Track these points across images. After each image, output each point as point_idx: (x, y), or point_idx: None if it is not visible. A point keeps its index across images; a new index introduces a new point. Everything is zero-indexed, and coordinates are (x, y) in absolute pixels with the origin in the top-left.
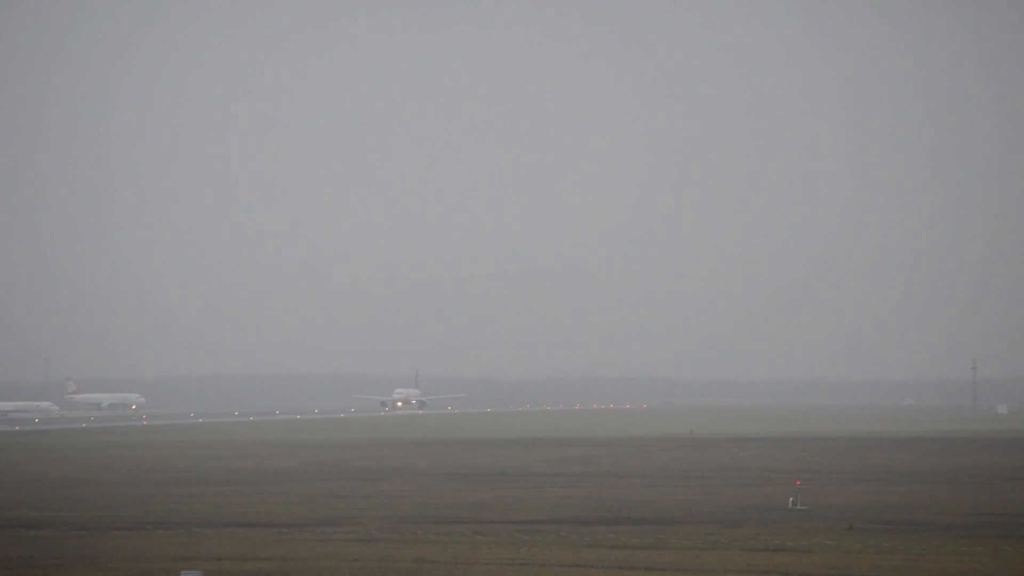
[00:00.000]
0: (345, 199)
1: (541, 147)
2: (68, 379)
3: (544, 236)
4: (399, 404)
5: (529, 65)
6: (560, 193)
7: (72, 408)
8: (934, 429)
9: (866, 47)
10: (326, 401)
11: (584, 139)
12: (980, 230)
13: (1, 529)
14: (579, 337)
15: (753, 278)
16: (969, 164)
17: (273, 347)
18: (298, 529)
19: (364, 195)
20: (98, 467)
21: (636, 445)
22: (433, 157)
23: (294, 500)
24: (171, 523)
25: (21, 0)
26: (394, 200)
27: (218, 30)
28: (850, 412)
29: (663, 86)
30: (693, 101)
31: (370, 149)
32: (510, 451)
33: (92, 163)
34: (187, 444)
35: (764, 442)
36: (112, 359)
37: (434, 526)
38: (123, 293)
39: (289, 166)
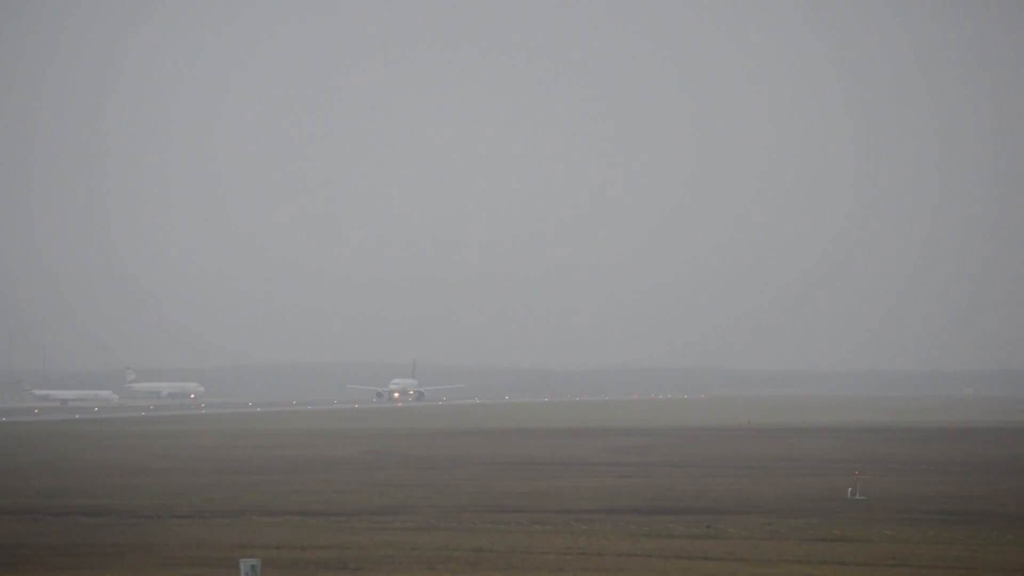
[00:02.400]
0: (368, 197)
1: (567, 141)
2: (127, 368)
3: (586, 231)
4: (396, 395)
5: (533, 63)
6: (591, 186)
7: (131, 397)
8: (994, 419)
9: (880, 42)
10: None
11: (604, 134)
12: None
13: (61, 517)
14: (633, 328)
15: (799, 266)
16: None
17: (320, 338)
18: (356, 518)
19: (388, 193)
20: (157, 455)
21: (693, 435)
22: (448, 156)
23: (351, 489)
24: (230, 511)
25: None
26: (420, 198)
27: (212, 26)
28: (909, 402)
29: (671, 83)
30: (707, 98)
31: (390, 146)
32: (566, 441)
33: (93, 164)
34: (245, 433)
35: (822, 432)
36: (171, 348)
37: (491, 515)
38: (184, 284)
39: (305, 162)
